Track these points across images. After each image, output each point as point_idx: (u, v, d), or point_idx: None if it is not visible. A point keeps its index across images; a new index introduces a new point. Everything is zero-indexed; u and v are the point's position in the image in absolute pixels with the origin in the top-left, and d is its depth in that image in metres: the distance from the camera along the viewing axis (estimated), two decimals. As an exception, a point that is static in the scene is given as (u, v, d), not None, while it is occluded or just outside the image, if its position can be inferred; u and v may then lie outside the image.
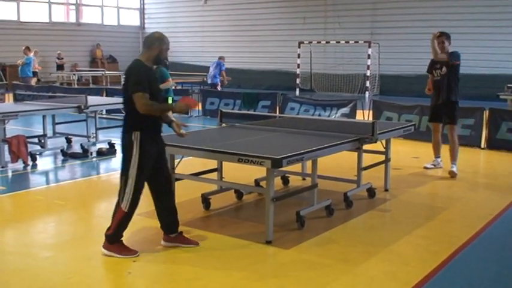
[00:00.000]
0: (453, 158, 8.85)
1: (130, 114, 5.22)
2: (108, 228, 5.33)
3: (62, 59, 27.88)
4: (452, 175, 8.66)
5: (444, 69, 8.73)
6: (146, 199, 5.38)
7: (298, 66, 26.01)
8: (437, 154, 9.39)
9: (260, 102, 15.78)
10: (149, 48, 5.29)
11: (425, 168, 9.32)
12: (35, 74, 23.12)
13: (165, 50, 5.36)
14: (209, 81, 19.75)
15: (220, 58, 19.88)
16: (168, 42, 5.38)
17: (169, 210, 5.55)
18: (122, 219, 5.26)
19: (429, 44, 8.63)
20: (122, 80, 5.37)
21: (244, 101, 16.06)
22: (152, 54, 5.27)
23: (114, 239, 5.30)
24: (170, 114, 5.55)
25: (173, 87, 13.81)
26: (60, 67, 27.90)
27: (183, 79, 21.86)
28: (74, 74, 27.07)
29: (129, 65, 5.29)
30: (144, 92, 5.07)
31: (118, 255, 5.25)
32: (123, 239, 5.38)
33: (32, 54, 21.75)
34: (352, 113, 13.71)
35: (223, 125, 7.68)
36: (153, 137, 5.28)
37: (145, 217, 6.50)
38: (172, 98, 12.23)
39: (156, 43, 5.28)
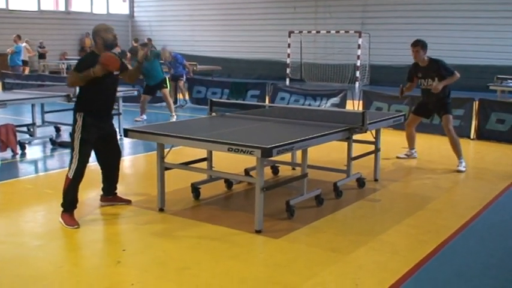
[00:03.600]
0: (458, 154, 8.68)
1: (79, 97, 6.04)
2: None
3: (44, 47, 27.57)
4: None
5: (435, 80, 8.42)
6: (141, 190, 5.40)
7: (289, 55, 25.97)
8: (412, 146, 9.39)
9: (249, 92, 15.66)
10: (95, 42, 6.07)
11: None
12: (26, 62, 22.94)
13: (106, 33, 5.98)
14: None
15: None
16: (105, 28, 6.03)
17: (113, 179, 6.47)
18: (68, 186, 5.86)
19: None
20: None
21: (232, 91, 15.91)
22: (99, 45, 5.98)
23: (65, 207, 5.88)
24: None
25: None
26: (42, 56, 27.58)
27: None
28: (63, 63, 26.87)
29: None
30: (75, 71, 5.86)
31: (63, 224, 5.79)
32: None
33: (21, 43, 21.59)
34: (342, 103, 13.71)
35: (213, 114, 7.66)
36: (94, 122, 5.94)
37: (137, 207, 6.50)
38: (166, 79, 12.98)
39: (96, 37, 6.00)
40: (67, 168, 5.97)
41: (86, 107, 5.89)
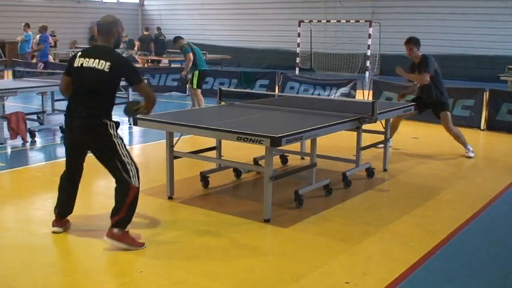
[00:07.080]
0: (464, 144, 8.88)
1: (106, 101, 5.19)
2: (116, 214, 5.03)
3: (55, 36, 27.54)
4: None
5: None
6: (150, 178, 5.37)
7: (298, 45, 25.88)
8: (391, 135, 9.08)
9: (258, 82, 15.64)
10: (108, 35, 5.21)
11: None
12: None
13: (122, 31, 5.34)
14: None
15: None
16: (121, 24, 5.32)
17: (74, 199, 5.52)
18: (135, 197, 5.08)
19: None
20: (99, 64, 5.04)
21: (241, 80, 15.87)
22: (112, 39, 5.24)
23: (127, 222, 5.05)
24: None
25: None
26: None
27: (181, 57, 21.69)
28: (73, 51, 26.84)
29: (112, 54, 5.14)
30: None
31: (129, 248, 4.99)
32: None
33: (30, 31, 21.62)
34: (352, 93, 13.69)
35: (222, 103, 7.65)
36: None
37: (146, 195, 6.50)
38: (199, 72, 12.17)
39: (114, 28, 5.22)
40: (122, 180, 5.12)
41: (109, 114, 5.19)
